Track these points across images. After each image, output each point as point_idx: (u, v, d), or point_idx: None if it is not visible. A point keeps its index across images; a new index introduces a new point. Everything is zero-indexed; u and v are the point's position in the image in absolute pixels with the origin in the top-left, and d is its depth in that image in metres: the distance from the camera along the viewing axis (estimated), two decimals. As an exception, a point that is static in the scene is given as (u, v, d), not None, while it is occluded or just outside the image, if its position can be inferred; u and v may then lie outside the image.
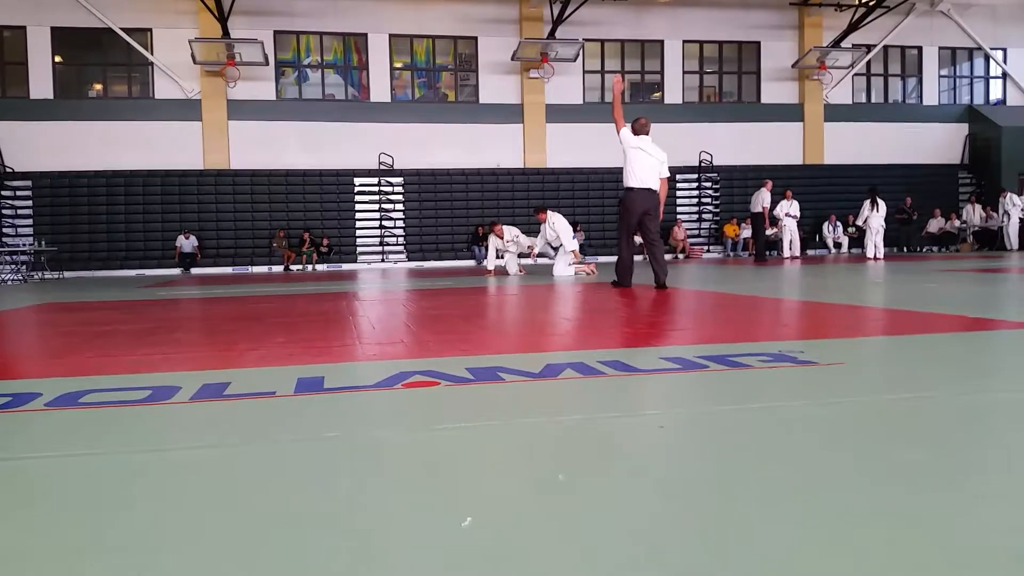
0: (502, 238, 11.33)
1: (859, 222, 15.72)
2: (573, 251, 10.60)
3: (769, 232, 15.43)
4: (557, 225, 10.53)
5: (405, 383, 2.36)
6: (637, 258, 7.73)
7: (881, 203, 15.10)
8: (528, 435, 1.76)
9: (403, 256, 19.16)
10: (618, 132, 7.27)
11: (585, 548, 1.06)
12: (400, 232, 19.41)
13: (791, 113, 21.29)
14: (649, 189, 7.19)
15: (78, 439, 1.81)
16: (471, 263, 18.51)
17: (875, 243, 14.92)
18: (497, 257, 11.50)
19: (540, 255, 11.19)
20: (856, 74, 21.59)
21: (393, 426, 1.92)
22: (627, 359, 2.74)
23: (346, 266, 18.55)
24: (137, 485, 1.43)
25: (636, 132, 7.26)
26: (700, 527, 1.13)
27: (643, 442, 1.68)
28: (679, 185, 20.79)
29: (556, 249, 10.73)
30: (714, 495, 1.28)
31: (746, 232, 19.63)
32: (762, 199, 14.86)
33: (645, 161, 7.20)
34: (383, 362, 2.91)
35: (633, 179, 7.20)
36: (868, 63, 21.63)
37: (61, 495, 1.38)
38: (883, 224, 15.06)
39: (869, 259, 14.30)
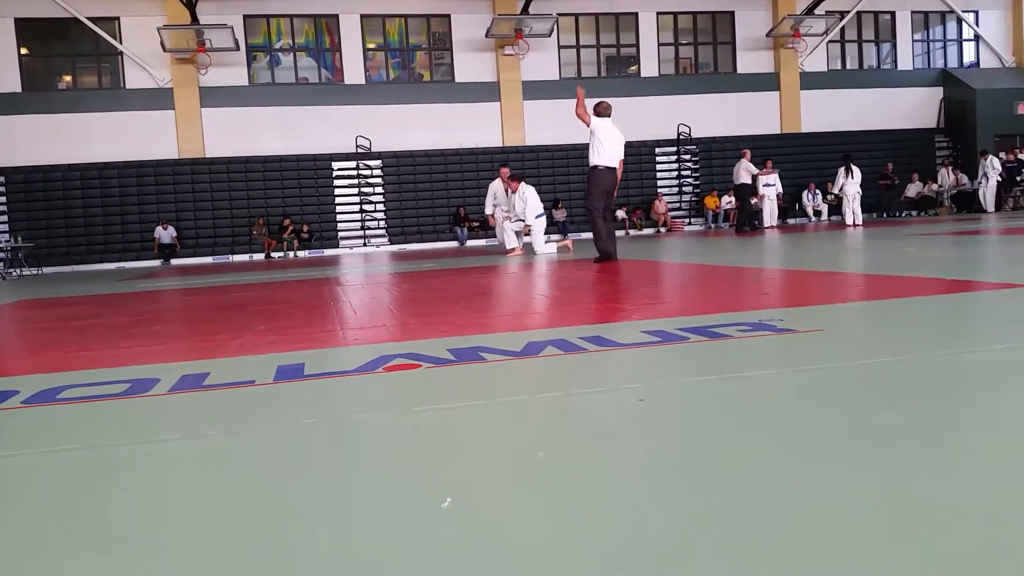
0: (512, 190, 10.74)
1: (835, 190, 15.79)
2: (528, 225, 10.44)
3: (754, 201, 15.41)
4: (528, 196, 10.45)
5: (386, 367, 2.36)
6: None
7: (856, 170, 15.16)
8: (508, 414, 1.77)
9: (385, 239, 19.06)
10: (588, 126, 7.64)
11: (567, 524, 1.07)
12: (381, 215, 19.30)
13: (767, 82, 21.28)
14: (612, 168, 7.66)
15: (57, 435, 1.79)
16: (454, 244, 18.46)
17: (852, 210, 15.01)
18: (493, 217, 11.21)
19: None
20: (831, 41, 21.58)
21: (373, 410, 1.91)
22: (608, 334, 2.75)
23: (328, 251, 18.45)
24: (117, 478, 1.42)
25: (600, 115, 7.65)
26: (682, 498, 1.14)
27: (622, 416, 1.69)
28: (658, 159, 20.79)
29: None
30: (695, 466, 1.29)
31: (730, 204, 19.71)
32: (744, 168, 14.81)
33: (613, 142, 7.62)
34: (364, 346, 2.90)
35: (602, 157, 7.61)
36: (842, 29, 21.62)
37: (41, 491, 1.37)
38: (859, 191, 15.13)
39: (848, 226, 14.38)
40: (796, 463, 1.27)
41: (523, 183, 10.71)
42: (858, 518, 1.01)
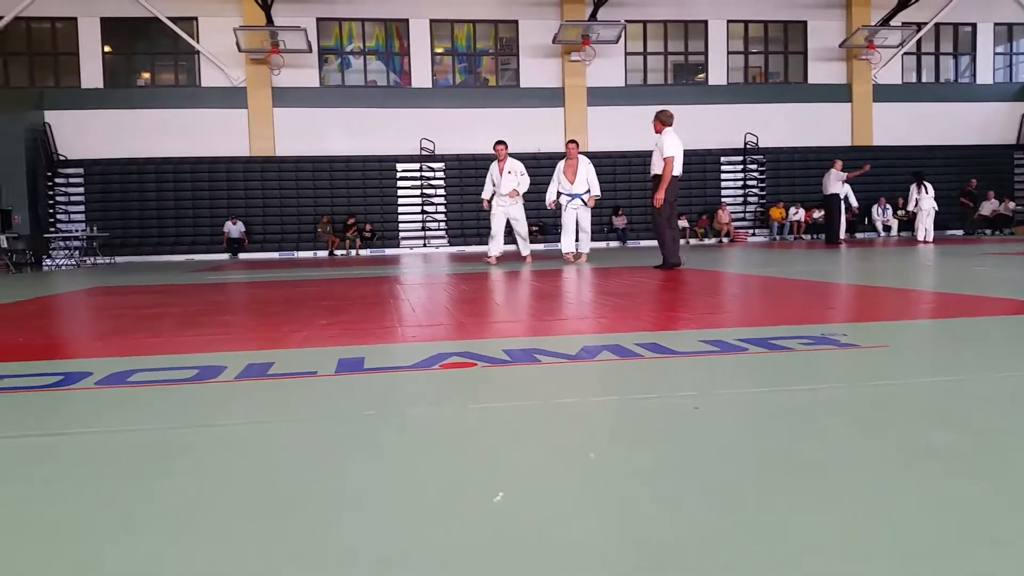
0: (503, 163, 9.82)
1: (910, 206, 15.45)
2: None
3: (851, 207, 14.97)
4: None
5: (443, 364, 2.39)
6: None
7: (928, 186, 14.81)
8: (561, 415, 1.78)
9: (444, 241, 19.26)
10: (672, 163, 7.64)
11: (616, 525, 1.08)
12: (442, 217, 19.51)
13: (839, 93, 20.81)
14: (678, 176, 7.78)
15: (126, 416, 1.88)
16: (512, 247, 18.51)
17: (926, 226, 14.64)
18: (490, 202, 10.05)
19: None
20: (906, 53, 21.00)
21: (430, 405, 1.95)
22: (665, 341, 2.74)
23: (388, 251, 18.72)
24: (183, 459, 1.48)
25: (665, 123, 7.74)
26: (731, 507, 1.14)
27: (677, 423, 1.68)
28: (723, 168, 20.52)
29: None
30: (746, 476, 1.29)
31: (797, 216, 19.35)
32: (835, 179, 14.30)
33: (680, 151, 7.75)
34: (422, 343, 2.95)
35: (679, 167, 7.73)
36: (919, 41, 21.01)
37: (110, 468, 1.44)
38: (934, 206, 14.77)
39: (919, 242, 13.98)
40: (849, 479, 1.25)
41: (518, 162, 9.94)
42: (909, 537, 1.00)
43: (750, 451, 1.43)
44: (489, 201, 10.10)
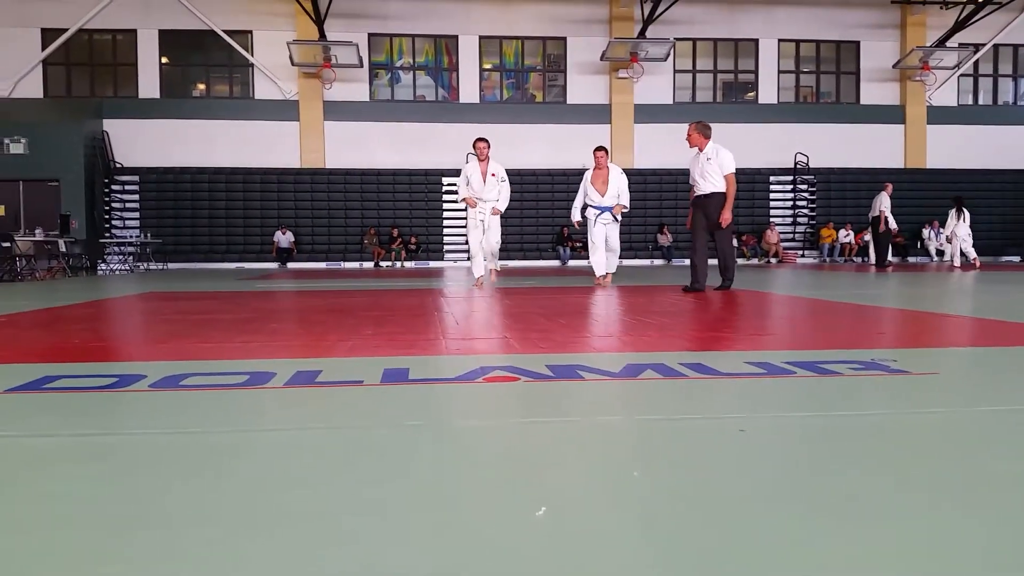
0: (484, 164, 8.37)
1: (947, 232, 15.30)
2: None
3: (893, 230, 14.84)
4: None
5: (486, 377, 2.41)
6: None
7: (966, 212, 14.79)
8: (604, 432, 1.78)
9: (489, 255, 19.35)
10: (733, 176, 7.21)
11: (656, 545, 1.07)
12: (486, 232, 19.60)
13: (892, 115, 20.47)
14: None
15: (178, 418, 1.92)
16: (556, 263, 18.53)
17: (961, 251, 14.80)
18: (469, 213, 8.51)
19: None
20: (962, 75, 20.57)
21: (473, 417, 1.96)
22: (710, 362, 2.71)
23: (433, 263, 18.87)
24: (234, 463, 1.52)
25: (709, 138, 7.28)
26: (777, 533, 1.12)
27: (721, 445, 1.67)
28: (772, 187, 20.30)
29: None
30: (790, 501, 1.27)
31: (848, 237, 19.07)
32: (881, 203, 14.22)
33: None
34: (466, 356, 2.97)
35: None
36: (976, 63, 20.57)
37: (161, 469, 1.48)
38: (970, 232, 14.83)
39: (955, 268, 13.98)
40: (900, 509, 1.23)
41: (498, 164, 8.56)
42: (960, 565, 0.98)
43: (796, 477, 1.42)
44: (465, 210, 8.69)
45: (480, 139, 8.43)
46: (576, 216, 8.75)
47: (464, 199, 8.43)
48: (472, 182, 8.33)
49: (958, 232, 14.69)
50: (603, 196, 8.43)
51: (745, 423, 1.86)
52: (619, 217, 8.56)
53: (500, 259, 10.10)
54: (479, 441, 1.70)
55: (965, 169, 20.07)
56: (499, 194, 8.36)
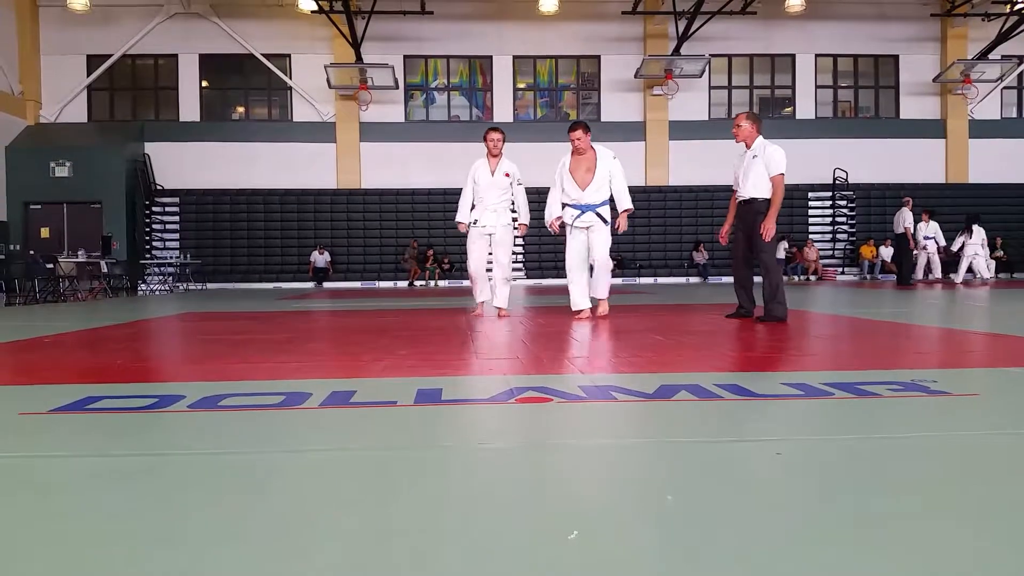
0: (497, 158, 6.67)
1: (954, 248, 15.15)
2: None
3: (915, 253, 14.75)
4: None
5: (519, 398, 2.41)
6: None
7: (976, 229, 14.93)
8: (639, 454, 1.77)
9: (522, 273, 19.36)
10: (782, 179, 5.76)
11: (690, 572, 1.06)
12: (519, 250, 19.64)
13: (932, 129, 20.12)
14: None
15: (217, 438, 1.95)
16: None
17: (976, 268, 14.86)
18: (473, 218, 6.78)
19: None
20: (1006, 87, 20.18)
21: (506, 439, 1.96)
22: (746, 383, 2.68)
23: (466, 283, 18.93)
24: (271, 483, 1.53)
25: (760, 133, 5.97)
26: (813, 557, 1.11)
27: (757, 469, 1.65)
28: (811, 203, 20.06)
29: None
30: (831, 526, 1.25)
31: (885, 253, 18.79)
32: (903, 219, 14.10)
33: None
34: (498, 376, 2.97)
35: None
36: (1020, 75, 20.18)
37: (200, 489, 1.50)
38: (978, 251, 14.90)
39: (958, 284, 13.93)
40: (941, 532, 1.20)
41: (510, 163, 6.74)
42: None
43: (834, 501, 1.39)
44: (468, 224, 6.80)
45: (493, 128, 6.68)
46: (554, 213, 6.33)
47: (457, 223, 6.85)
48: (479, 180, 6.61)
49: (966, 250, 14.87)
50: (584, 190, 6.15)
51: (782, 446, 1.83)
52: (620, 225, 6.22)
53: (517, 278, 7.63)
54: (512, 463, 1.70)
55: (1009, 184, 19.64)
56: (514, 202, 6.66)
